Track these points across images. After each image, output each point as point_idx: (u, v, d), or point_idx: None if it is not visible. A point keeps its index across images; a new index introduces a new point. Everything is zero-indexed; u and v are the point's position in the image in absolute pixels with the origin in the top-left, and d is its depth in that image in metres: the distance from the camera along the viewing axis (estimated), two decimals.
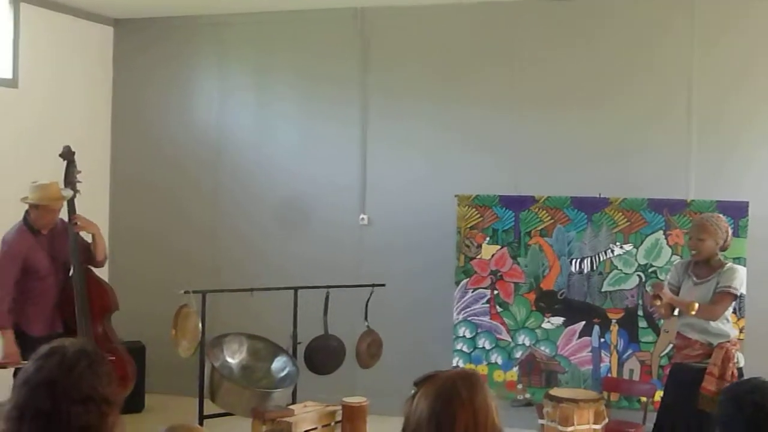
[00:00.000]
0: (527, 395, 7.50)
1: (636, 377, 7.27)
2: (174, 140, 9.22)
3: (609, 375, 7.32)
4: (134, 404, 7.93)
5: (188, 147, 9.16)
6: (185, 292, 7.04)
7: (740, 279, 5.78)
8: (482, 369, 7.52)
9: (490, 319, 7.61)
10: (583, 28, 8.07)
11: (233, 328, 7.67)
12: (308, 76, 8.80)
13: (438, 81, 8.41)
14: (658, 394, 6.45)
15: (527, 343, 7.54)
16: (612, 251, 7.35)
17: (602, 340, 7.36)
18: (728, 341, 5.67)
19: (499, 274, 7.60)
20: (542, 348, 7.50)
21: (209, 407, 7.14)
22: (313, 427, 6.67)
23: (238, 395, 7.06)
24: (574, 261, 7.44)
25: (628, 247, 7.31)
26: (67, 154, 6.69)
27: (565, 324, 7.45)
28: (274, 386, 7.33)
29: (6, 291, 6.27)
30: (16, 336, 6.30)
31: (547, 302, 7.50)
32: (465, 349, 7.65)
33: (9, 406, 2.34)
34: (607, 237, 7.36)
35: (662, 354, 7.17)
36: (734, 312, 6.37)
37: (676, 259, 6.96)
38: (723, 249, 5.83)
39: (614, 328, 7.34)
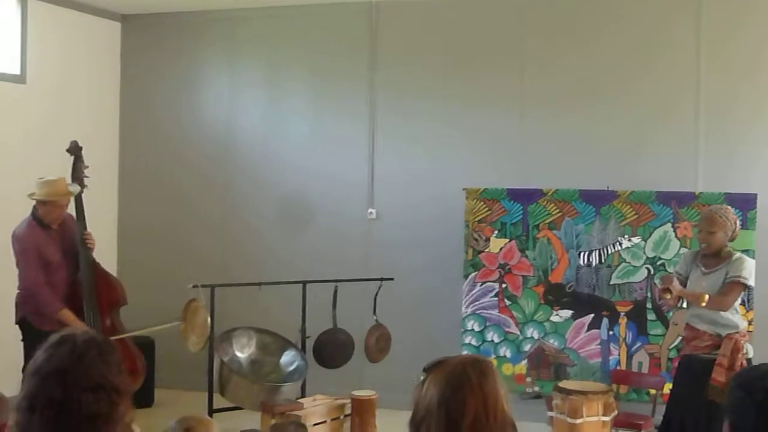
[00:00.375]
0: (536, 388, 7.49)
1: (645, 370, 7.26)
2: (183, 136, 9.23)
3: (618, 368, 7.31)
4: (144, 399, 7.93)
5: (197, 142, 9.16)
6: (194, 287, 7.06)
7: (749, 269, 5.77)
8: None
9: (499, 312, 7.60)
10: (591, 23, 8.06)
11: (242, 323, 7.70)
12: (318, 71, 8.80)
13: (446, 76, 8.40)
14: (667, 387, 6.43)
15: (536, 336, 7.53)
16: (620, 244, 7.34)
17: (611, 332, 7.35)
18: (737, 332, 5.66)
19: (507, 267, 7.59)
20: (551, 341, 7.50)
21: (218, 401, 7.16)
22: (323, 420, 6.69)
23: (247, 389, 7.08)
24: (582, 254, 7.43)
25: (636, 239, 7.30)
26: (75, 150, 6.70)
27: (574, 317, 7.44)
28: (283, 380, 7.35)
29: (39, 282, 6.32)
30: (24, 329, 6.34)
31: (556, 295, 7.49)
32: (474, 342, 7.65)
33: (20, 396, 2.34)
34: (616, 230, 7.35)
35: (671, 346, 7.17)
36: (743, 304, 6.35)
37: (684, 251, 6.94)
38: (731, 239, 5.83)
39: (623, 320, 7.33)
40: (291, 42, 8.90)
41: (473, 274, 7.66)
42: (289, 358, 7.58)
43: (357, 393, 6.87)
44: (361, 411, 6.78)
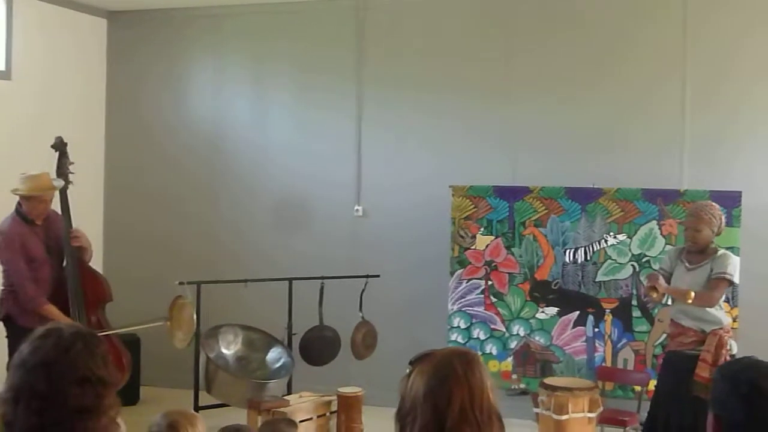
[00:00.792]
0: (522, 385, 7.51)
1: (630, 366, 7.28)
2: (169, 132, 9.21)
3: (603, 364, 7.33)
4: (129, 396, 7.90)
5: (183, 139, 9.15)
6: (180, 283, 7.05)
7: (734, 265, 5.79)
8: None
9: (485, 309, 7.61)
10: (576, 19, 8.07)
11: (228, 320, 7.68)
12: (304, 67, 8.79)
13: (432, 72, 8.41)
14: (653, 383, 6.46)
15: (522, 333, 7.55)
16: (606, 241, 7.36)
17: (596, 329, 7.37)
18: (721, 328, 5.69)
19: (493, 264, 7.60)
20: (537, 338, 7.51)
21: (205, 398, 7.16)
22: (309, 417, 6.68)
23: (233, 386, 7.08)
24: (568, 251, 7.45)
25: (622, 236, 7.32)
26: (60, 145, 6.67)
27: (560, 314, 7.46)
28: (269, 377, 7.34)
29: (24, 277, 6.29)
30: (8, 326, 6.31)
31: (542, 292, 7.51)
32: (460, 339, 7.66)
33: (4, 388, 2.33)
34: (601, 227, 7.37)
35: (656, 343, 7.19)
36: (727, 300, 6.39)
37: (670, 248, 6.96)
38: (717, 234, 5.86)
39: (608, 317, 7.35)
40: (277, 38, 8.90)
41: (459, 271, 7.67)
42: (275, 355, 7.57)
43: (343, 390, 6.87)
44: (347, 408, 6.78)
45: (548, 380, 6.65)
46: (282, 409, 6.49)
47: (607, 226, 7.36)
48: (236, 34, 9.06)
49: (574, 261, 7.43)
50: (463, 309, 7.66)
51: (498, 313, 7.59)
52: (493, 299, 7.59)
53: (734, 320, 6.75)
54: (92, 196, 9.04)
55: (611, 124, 7.92)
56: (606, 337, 7.35)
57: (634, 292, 7.29)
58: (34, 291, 6.30)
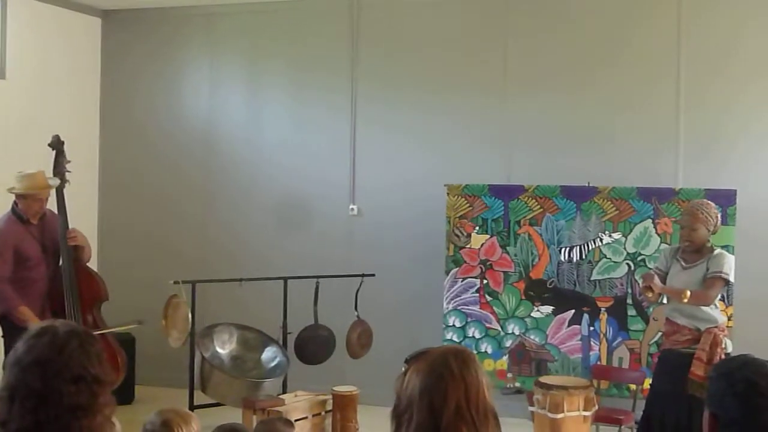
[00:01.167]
0: (517, 384, 7.51)
1: (625, 365, 7.28)
2: (163, 131, 9.20)
3: (598, 363, 7.33)
4: (125, 395, 7.89)
5: (178, 138, 9.14)
6: (175, 282, 7.05)
7: (729, 264, 5.80)
8: None
9: (480, 308, 7.61)
10: (571, 18, 8.07)
11: (223, 320, 7.69)
12: (299, 65, 8.79)
13: (427, 71, 8.41)
14: (648, 382, 6.45)
15: (517, 332, 7.54)
16: (601, 240, 7.36)
17: (591, 328, 7.37)
18: (716, 326, 5.69)
19: (488, 263, 7.60)
20: (532, 337, 7.51)
21: (200, 398, 7.15)
22: (304, 416, 6.68)
23: (228, 385, 7.08)
24: (563, 250, 7.45)
25: (617, 235, 7.32)
26: (56, 144, 6.67)
27: (555, 313, 7.46)
28: (264, 376, 7.35)
29: (2, 277, 6.26)
30: (5, 326, 6.30)
31: (537, 291, 7.51)
32: (455, 338, 7.66)
33: (0, 386, 2.33)
34: (596, 226, 7.37)
35: (651, 342, 7.19)
36: (722, 299, 6.38)
37: (665, 247, 6.96)
38: (713, 233, 5.87)
39: (603, 316, 7.35)
40: (272, 36, 8.90)
41: (454, 270, 7.67)
42: (270, 354, 7.57)
43: (338, 389, 6.87)
44: (343, 407, 6.78)
45: (543, 379, 6.65)
46: (277, 409, 6.50)
47: (602, 224, 7.36)
48: (231, 32, 9.05)
49: (569, 260, 7.43)
50: (458, 308, 7.66)
51: (493, 312, 7.58)
52: (489, 298, 7.59)
53: (729, 318, 6.75)
54: (87, 195, 9.02)
55: (606, 123, 7.93)
56: (601, 335, 7.35)
57: (629, 290, 7.29)
58: (11, 293, 6.27)
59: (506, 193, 7.60)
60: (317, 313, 7.57)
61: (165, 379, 8.53)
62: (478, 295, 7.62)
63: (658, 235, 7.22)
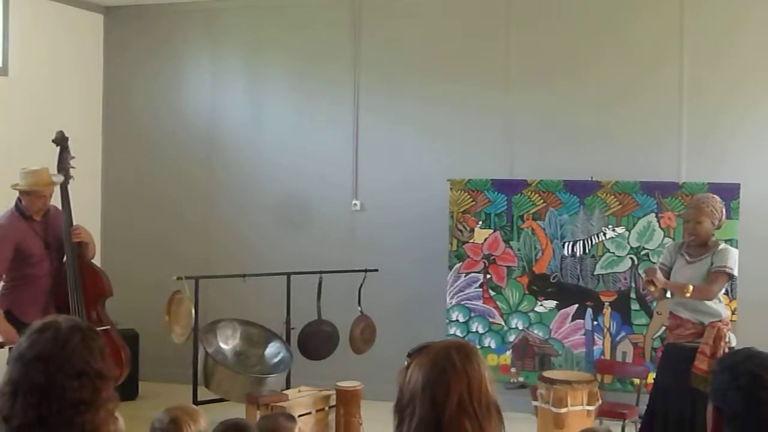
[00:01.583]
0: (521, 378, 7.51)
1: (629, 359, 7.29)
2: (166, 127, 9.19)
3: (602, 357, 7.33)
4: (128, 391, 7.91)
5: (180, 134, 9.13)
6: (178, 278, 7.06)
7: (734, 259, 5.77)
8: None
9: (483, 303, 7.61)
10: (574, 13, 8.06)
11: (227, 316, 7.69)
12: (301, 60, 8.78)
13: (429, 66, 8.40)
14: (651, 376, 6.46)
15: (520, 326, 7.54)
16: (604, 234, 7.36)
17: (595, 322, 7.37)
18: (720, 320, 5.68)
19: (491, 258, 7.60)
20: (535, 331, 7.51)
21: (203, 393, 7.16)
22: (308, 411, 6.68)
23: (232, 381, 7.09)
24: (566, 244, 7.45)
25: (620, 229, 7.32)
26: (61, 140, 6.67)
27: (558, 307, 7.46)
28: (268, 372, 7.35)
29: None
30: (10, 322, 6.30)
31: (540, 286, 7.51)
32: (458, 333, 7.66)
33: (3, 382, 2.33)
34: (600, 220, 7.37)
35: (655, 336, 7.19)
36: (726, 293, 6.37)
37: (668, 241, 6.96)
38: (717, 228, 5.84)
39: (607, 310, 7.35)
40: (273, 30, 8.89)
41: (458, 265, 7.67)
42: (273, 350, 7.58)
43: (342, 384, 6.87)
44: (346, 402, 6.78)
45: (547, 373, 6.66)
46: (281, 404, 6.50)
47: (606, 219, 7.35)
48: (232, 27, 9.05)
49: (573, 254, 7.43)
50: (461, 303, 7.66)
51: (496, 307, 7.59)
52: (492, 293, 7.59)
53: (733, 312, 6.75)
54: (90, 191, 9.01)
55: (609, 118, 7.92)
56: (605, 330, 7.35)
57: (633, 285, 7.29)
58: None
59: (509, 187, 7.59)
60: (320, 308, 7.57)
61: (168, 375, 8.54)
62: (481, 289, 7.62)
63: (662, 229, 7.22)
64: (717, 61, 7.70)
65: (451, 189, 7.69)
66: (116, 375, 2.47)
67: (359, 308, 7.69)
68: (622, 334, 7.32)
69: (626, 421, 6.57)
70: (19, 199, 6.44)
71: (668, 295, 5.89)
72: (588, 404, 6.28)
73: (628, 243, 7.30)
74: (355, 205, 8.55)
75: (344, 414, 6.77)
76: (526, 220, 7.53)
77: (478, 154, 8.16)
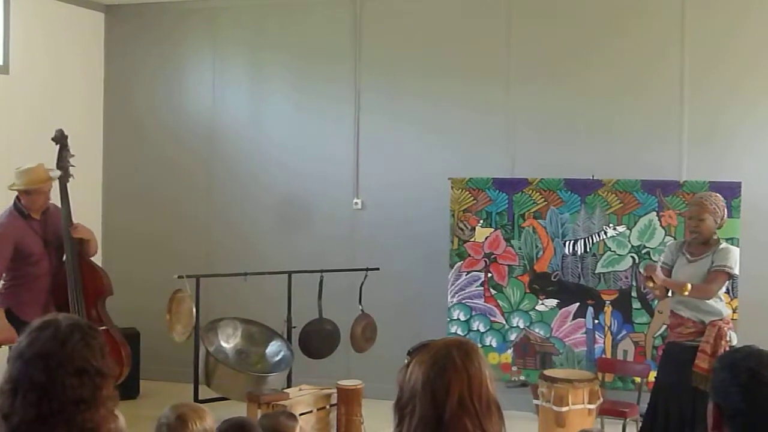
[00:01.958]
0: (522, 377, 7.51)
1: (630, 358, 7.28)
2: (167, 125, 9.19)
3: (603, 356, 7.32)
4: (129, 390, 7.91)
5: (181, 132, 9.13)
6: (179, 277, 7.05)
7: (735, 258, 5.77)
8: None
9: (484, 301, 7.61)
10: (575, 10, 8.05)
11: (228, 314, 7.68)
12: (302, 58, 8.78)
13: (430, 64, 8.39)
14: (652, 375, 6.45)
15: (521, 325, 7.54)
16: (605, 233, 7.35)
17: (596, 321, 7.37)
18: (721, 319, 5.67)
19: (492, 256, 7.60)
20: (536, 330, 7.51)
21: (204, 392, 7.15)
22: (309, 410, 6.68)
23: (233, 379, 7.08)
24: (567, 243, 7.44)
25: (621, 228, 7.31)
26: (60, 138, 6.67)
27: (559, 306, 7.46)
28: (269, 370, 7.35)
29: None
30: (9, 319, 6.30)
31: (541, 284, 7.50)
32: (459, 332, 7.65)
33: (3, 380, 2.33)
34: (601, 218, 7.36)
35: (656, 334, 7.19)
36: (727, 292, 6.37)
37: (669, 239, 6.96)
38: (719, 226, 5.84)
39: (608, 309, 7.35)
40: (274, 29, 8.88)
41: (459, 263, 7.66)
42: (275, 348, 7.57)
43: (343, 383, 6.87)
44: (347, 400, 6.78)
45: (548, 372, 6.66)
46: (282, 402, 6.49)
47: (607, 217, 7.35)
48: (233, 26, 9.04)
49: (574, 253, 7.42)
50: (462, 301, 7.65)
51: (497, 306, 7.58)
52: (493, 291, 7.59)
53: (734, 311, 6.74)
54: (90, 190, 9.01)
55: (610, 116, 7.92)
56: (606, 328, 7.35)
57: (634, 283, 7.28)
58: None
59: (510, 186, 7.59)
60: (321, 307, 7.57)
61: (170, 374, 8.54)
62: (482, 288, 7.62)
63: (663, 227, 7.21)
64: (718, 59, 7.70)
65: (452, 187, 7.69)
66: (116, 373, 2.45)
67: (360, 307, 7.68)
68: (623, 332, 7.32)
69: (627, 420, 6.56)
70: (17, 198, 6.43)
71: (670, 294, 5.89)
72: (589, 403, 6.28)
73: (629, 242, 7.29)
74: (356, 203, 8.55)
75: (345, 412, 6.77)
76: (527, 219, 7.53)
77: (479, 152, 8.16)
